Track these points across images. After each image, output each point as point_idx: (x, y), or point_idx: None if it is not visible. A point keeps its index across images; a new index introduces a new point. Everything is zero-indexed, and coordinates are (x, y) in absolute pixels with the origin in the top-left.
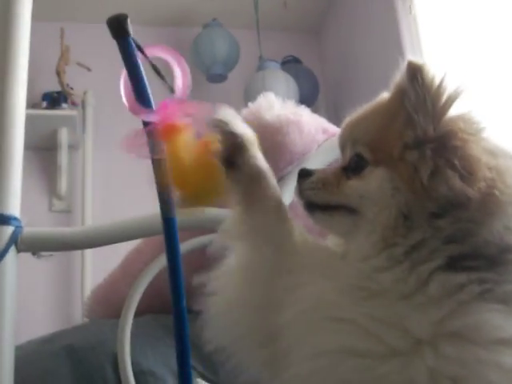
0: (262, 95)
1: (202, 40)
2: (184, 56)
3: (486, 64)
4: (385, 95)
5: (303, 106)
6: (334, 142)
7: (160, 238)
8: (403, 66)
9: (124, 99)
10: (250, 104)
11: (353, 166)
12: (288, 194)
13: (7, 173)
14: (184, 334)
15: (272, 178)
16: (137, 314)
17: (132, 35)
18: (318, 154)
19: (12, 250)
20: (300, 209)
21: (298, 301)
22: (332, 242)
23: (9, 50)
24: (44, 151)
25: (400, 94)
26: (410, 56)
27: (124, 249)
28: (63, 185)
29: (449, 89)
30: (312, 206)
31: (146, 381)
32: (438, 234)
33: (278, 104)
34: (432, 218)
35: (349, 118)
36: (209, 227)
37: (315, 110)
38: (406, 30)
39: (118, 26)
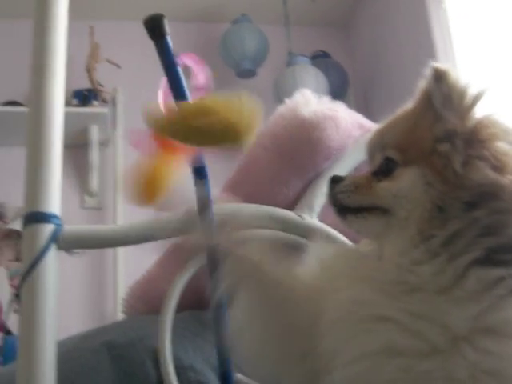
0: (298, 91)
1: (231, 35)
2: (213, 52)
3: None
4: (408, 105)
5: (339, 102)
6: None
7: None
8: (428, 72)
9: (160, 103)
10: (286, 100)
11: (383, 169)
12: (324, 190)
13: (48, 171)
14: (224, 330)
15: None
16: (175, 311)
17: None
18: (355, 149)
19: (53, 247)
20: None
21: (336, 306)
22: (364, 247)
23: (47, 50)
24: (75, 148)
25: (426, 97)
26: (435, 62)
27: (156, 244)
28: (94, 182)
29: (473, 89)
30: (344, 210)
31: (187, 376)
32: (474, 225)
33: (314, 100)
34: (467, 208)
35: (376, 129)
36: (247, 223)
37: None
38: (436, 23)
39: (154, 27)
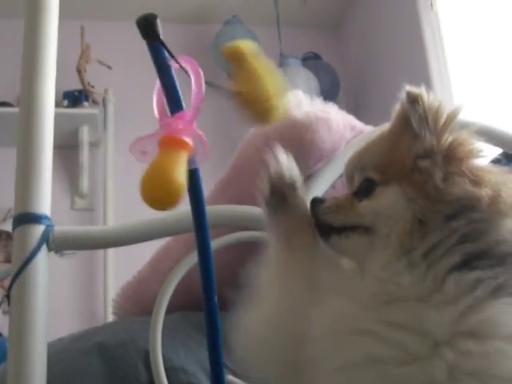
0: (290, 92)
1: (223, 37)
2: (204, 53)
3: (507, 59)
4: (384, 128)
5: (331, 103)
6: (362, 139)
7: (189, 235)
8: (402, 95)
9: (155, 108)
10: None
11: (363, 190)
12: (316, 191)
13: (38, 172)
14: (216, 331)
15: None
16: (166, 312)
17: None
18: (347, 151)
19: (43, 248)
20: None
21: (321, 318)
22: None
23: (37, 50)
24: (65, 149)
25: (402, 119)
26: (408, 87)
27: (146, 247)
28: (85, 183)
29: (447, 109)
30: (327, 231)
31: (178, 377)
32: (452, 235)
33: (306, 101)
34: (446, 219)
35: (354, 152)
36: (240, 225)
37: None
38: (427, 25)
39: (147, 26)
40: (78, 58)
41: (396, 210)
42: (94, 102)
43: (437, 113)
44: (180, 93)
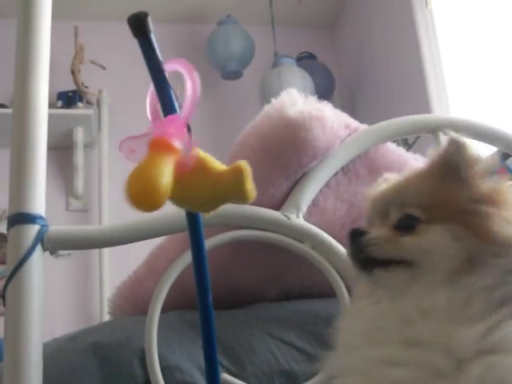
0: (284, 91)
1: (217, 37)
2: (198, 53)
3: (501, 57)
4: (420, 166)
5: (325, 102)
6: (357, 137)
7: (184, 235)
8: (446, 141)
9: (148, 109)
10: (272, 100)
11: (404, 225)
12: (311, 190)
13: (32, 172)
14: (210, 329)
15: None
16: (161, 311)
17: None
18: (341, 149)
19: (38, 248)
20: (324, 202)
21: (351, 365)
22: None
23: (30, 51)
24: (60, 150)
25: (444, 163)
26: (452, 134)
27: (142, 247)
28: (80, 184)
29: (485, 160)
30: (371, 263)
31: (173, 376)
32: (499, 270)
33: (300, 100)
34: (495, 257)
35: (387, 187)
36: (233, 224)
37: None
38: (422, 24)
39: (137, 24)
40: (71, 59)
41: (442, 247)
42: (88, 103)
43: (479, 161)
44: (172, 93)
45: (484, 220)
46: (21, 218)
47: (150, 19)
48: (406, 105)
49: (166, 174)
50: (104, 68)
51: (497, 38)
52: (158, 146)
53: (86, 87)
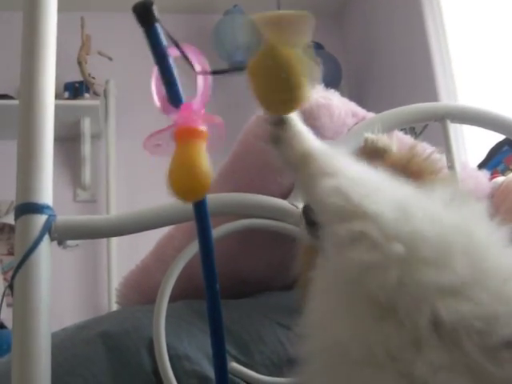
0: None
1: (224, 27)
2: (205, 43)
3: (509, 44)
4: None
5: (332, 90)
6: (364, 126)
7: (191, 224)
8: None
9: (155, 98)
10: None
11: None
12: None
13: (39, 162)
14: (218, 318)
15: None
16: (169, 300)
17: (159, 22)
18: (349, 137)
19: (46, 238)
20: None
21: None
22: None
23: (37, 42)
24: (67, 141)
25: None
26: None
27: (149, 237)
28: (87, 175)
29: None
30: None
31: (182, 365)
32: None
33: None
34: None
35: None
36: (240, 213)
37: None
38: (429, 12)
39: (143, 13)
40: (78, 50)
41: None
42: (95, 94)
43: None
44: (178, 79)
45: None
46: (28, 208)
47: (155, 7)
48: (414, 93)
49: (204, 161)
50: (111, 59)
51: (505, 24)
52: (186, 135)
53: (93, 78)
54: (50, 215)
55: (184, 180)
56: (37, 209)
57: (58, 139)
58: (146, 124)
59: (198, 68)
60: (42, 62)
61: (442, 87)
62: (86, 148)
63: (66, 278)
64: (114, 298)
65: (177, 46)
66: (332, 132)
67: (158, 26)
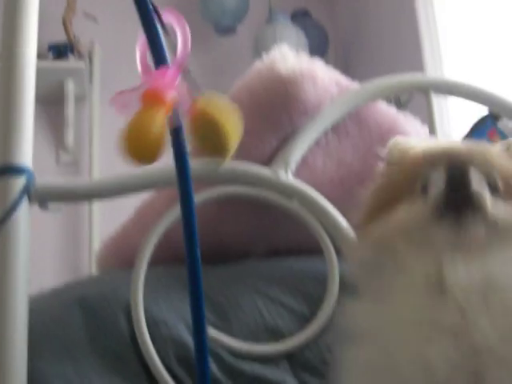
0: (275, 47)
1: None
2: (192, 7)
3: (497, 17)
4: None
5: (317, 58)
6: (347, 95)
7: (172, 190)
8: None
9: (138, 62)
10: (263, 56)
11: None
12: (300, 147)
13: (19, 123)
14: (198, 284)
15: None
16: (149, 265)
17: None
18: (331, 107)
19: (25, 200)
20: (313, 160)
21: None
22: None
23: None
24: (50, 103)
25: None
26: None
27: (132, 201)
28: (70, 137)
29: None
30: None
31: (159, 329)
32: None
33: (291, 56)
34: None
35: (450, 145)
36: (221, 179)
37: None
38: None
39: None
40: (63, 10)
41: None
42: (80, 55)
43: None
44: (164, 46)
45: None
46: (7, 170)
47: None
48: (400, 61)
49: (157, 126)
50: (96, 20)
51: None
52: (150, 99)
53: (78, 39)
54: (29, 177)
55: (131, 142)
56: (15, 171)
57: (41, 101)
58: (131, 87)
59: (178, 33)
60: (24, 21)
61: (428, 57)
62: (70, 110)
63: (48, 241)
64: (94, 261)
65: (156, 11)
66: (314, 100)
67: None
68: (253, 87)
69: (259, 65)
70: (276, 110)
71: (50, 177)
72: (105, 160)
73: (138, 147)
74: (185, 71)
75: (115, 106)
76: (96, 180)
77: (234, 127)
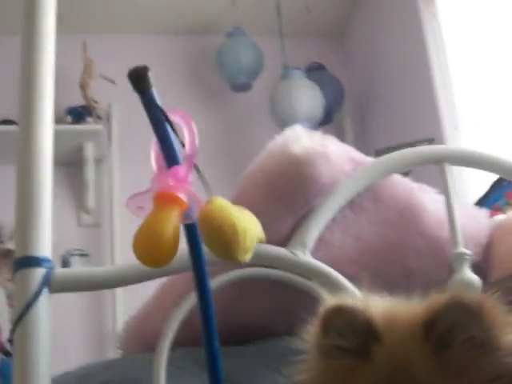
0: (289, 128)
1: (226, 49)
2: (208, 65)
3: (509, 62)
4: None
5: (330, 136)
6: (363, 171)
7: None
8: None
9: (153, 162)
10: (276, 136)
11: None
12: (317, 226)
13: (37, 212)
14: (218, 373)
15: None
16: (171, 347)
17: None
18: (347, 184)
19: (45, 291)
20: (330, 237)
21: None
22: None
23: (34, 66)
24: (70, 166)
25: None
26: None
27: (154, 281)
28: (91, 199)
29: None
30: None
31: None
32: None
33: (305, 135)
34: None
35: None
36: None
37: (341, 117)
38: (430, 33)
39: (137, 79)
40: (80, 74)
41: None
42: (98, 118)
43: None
44: (175, 146)
45: None
46: (27, 262)
47: (150, 73)
48: (415, 111)
49: (169, 230)
50: (114, 82)
51: (504, 45)
52: (163, 200)
53: (96, 102)
54: (48, 268)
55: (144, 245)
56: (35, 262)
57: (61, 163)
58: (150, 147)
59: (185, 133)
60: (41, 87)
61: (443, 107)
62: (90, 172)
63: (72, 321)
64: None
65: (164, 115)
66: (329, 179)
67: (152, 91)
68: (267, 169)
69: (272, 146)
70: (291, 192)
71: (72, 239)
72: (126, 220)
73: (151, 254)
74: (195, 168)
75: (130, 208)
76: (114, 268)
77: (243, 230)
